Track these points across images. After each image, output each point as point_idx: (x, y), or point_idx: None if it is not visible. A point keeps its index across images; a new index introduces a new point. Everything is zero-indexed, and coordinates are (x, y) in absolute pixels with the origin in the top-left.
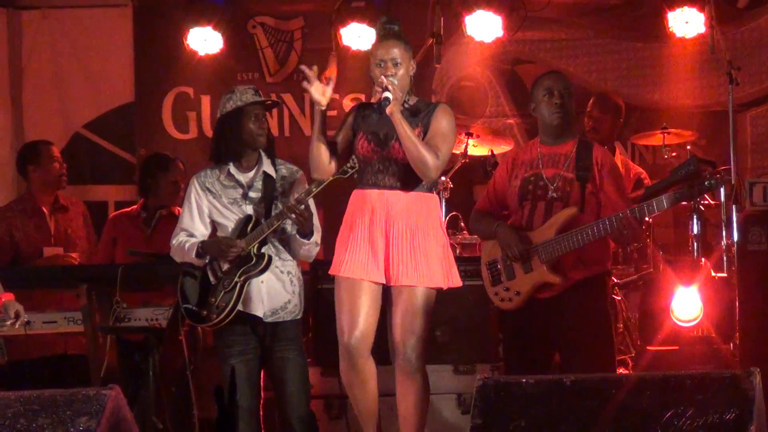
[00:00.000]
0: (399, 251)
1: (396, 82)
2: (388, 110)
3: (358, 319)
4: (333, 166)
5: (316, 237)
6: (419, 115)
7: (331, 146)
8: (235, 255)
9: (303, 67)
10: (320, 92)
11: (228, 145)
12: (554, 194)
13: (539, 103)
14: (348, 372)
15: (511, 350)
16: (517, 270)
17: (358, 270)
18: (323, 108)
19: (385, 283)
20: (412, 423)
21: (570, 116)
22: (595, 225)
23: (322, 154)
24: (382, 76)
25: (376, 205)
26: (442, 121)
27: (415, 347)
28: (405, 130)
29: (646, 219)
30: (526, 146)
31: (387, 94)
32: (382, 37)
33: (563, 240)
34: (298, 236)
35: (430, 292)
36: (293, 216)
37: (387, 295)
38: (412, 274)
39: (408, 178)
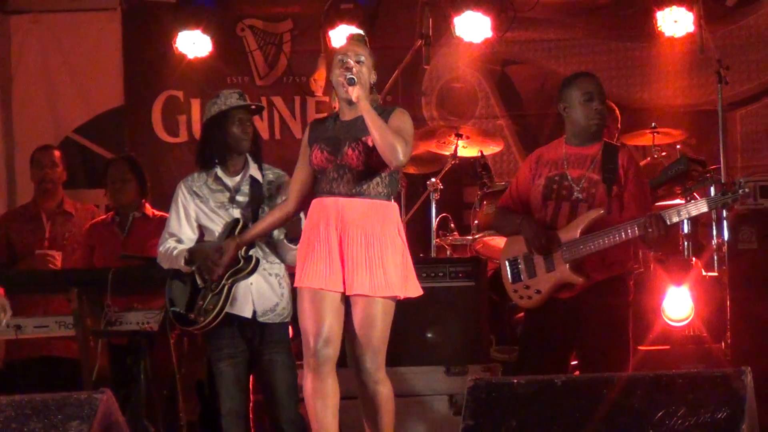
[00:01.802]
0: (354, 259)
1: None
2: (354, 96)
3: (323, 329)
4: (307, 188)
5: None
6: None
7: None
8: (218, 274)
9: None
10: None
11: (213, 149)
12: (579, 195)
13: (575, 105)
14: (310, 381)
15: (528, 349)
16: (538, 268)
17: (317, 279)
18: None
19: (344, 291)
20: (380, 425)
21: (604, 120)
22: (622, 228)
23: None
24: (348, 60)
25: (331, 213)
26: (400, 119)
27: (373, 360)
28: (373, 116)
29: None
30: (551, 145)
31: (351, 75)
32: (349, 38)
33: (588, 241)
34: (285, 242)
35: (386, 302)
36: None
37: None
38: (367, 284)
39: (363, 185)
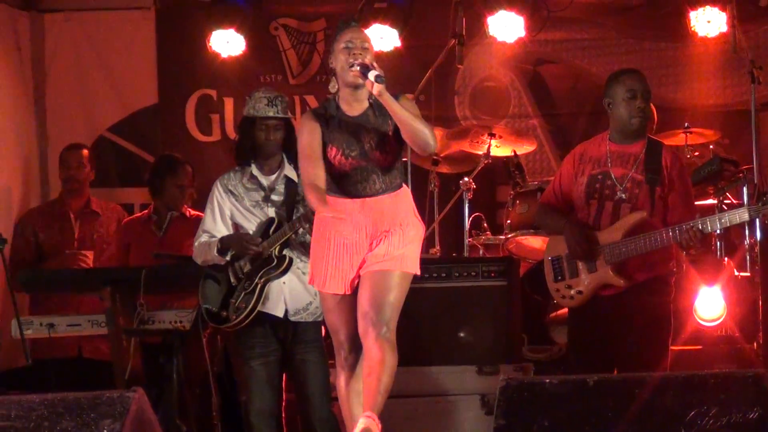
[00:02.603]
0: (376, 246)
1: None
2: (376, 91)
3: (354, 333)
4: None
5: None
6: (384, 110)
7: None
8: (255, 252)
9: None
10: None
11: (243, 148)
12: (622, 195)
13: (619, 102)
14: (346, 382)
15: (574, 347)
16: (580, 268)
17: (340, 285)
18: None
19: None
20: (372, 391)
21: (647, 119)
22: (665, 232)
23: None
24: (358, 62)
25: (358, 216)
26: (414, 105)
27: (386, 312)
28: (399, 107)
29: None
30: (594, 141)
31: (375, 72)
32: (343, 26)
33: (630, 243)
34: None
35: (404, 274)
36: (306, 226)
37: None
38: (383, 260)
39: (387, 182)
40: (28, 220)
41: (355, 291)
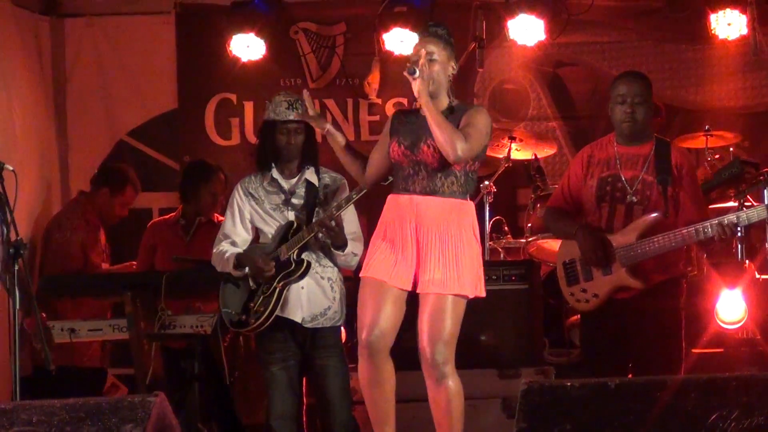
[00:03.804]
0: (428, 258)
1: (425, 67)
2: (415, 90)
3: (379, 318)
4: (381, 175)
5: (352, 248)
6: (455, 114)
7: (363, 159)
8: (269, 277)
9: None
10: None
11: (264, 152)
12: (634, 197)
13: (613, 106)
14: (366, 369)
15: (589, 351)
16: (595, 271)
17: (383, 272)
18: (326, 128)
19: (411, 289)
20: (449, 421)
21: (639, 123)
22: (683, 231)
23: (352, 168)
24: (414, 64)
25: (406, 212)
26: (477, 117)
27: (441, 352)
28: (433, 111)
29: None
30: (601, 143)
31: (411, 65)
32: (424, 34)
33: (645, 245)
34: (332, 249)
35: (458, 299)
36: (323, 231)
37: (416, 302)
38: (440, 282)
39: (438, 183)
40: (74, 229)
41: (393, 289)
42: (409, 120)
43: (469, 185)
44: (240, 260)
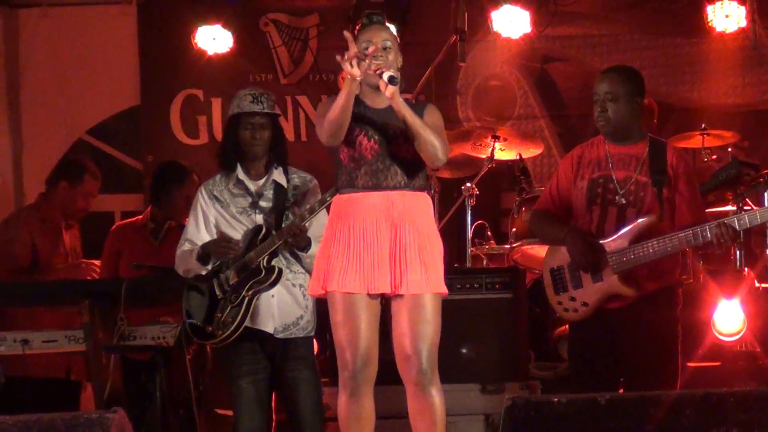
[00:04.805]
0: (406, 257)
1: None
2: (388, 93)
3: (359, 344)
4: (343, 136)
5: (315, 249)
6: (414, 107)
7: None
8: (234, 255)
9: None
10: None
11: (227, 150)
12: (626, 199)
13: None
14: (347, 405)
15: (577, 364)
16: (584, 279)
17: (350, 282)
18: (357, 79)
19: (389, 292)
20: None
21: (613, 122)
22: (679, 236)
23: (344, 120)
24: (375, 63)
25: (380, 209)
26: (434, 116)
27: (429, 356)
28: (410, 113)
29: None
30: (592, 143)
31: (389, 72)
32: (366, 25)
33: (639, 250)
34: (296, 250)
35: (437, 298)
36: (289, 240)
37: (386, 305)
38: (421, 282)
39: (411, 176)
40: (24, 223)
41: (366, 302)
42: (365, 113)
43: (426, 179)
44: (204, 249)
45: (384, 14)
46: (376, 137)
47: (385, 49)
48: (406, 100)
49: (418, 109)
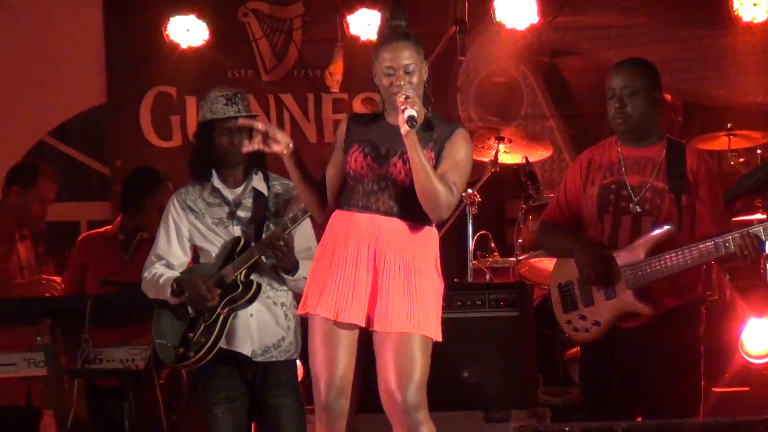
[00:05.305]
0: (389, 290)
1: (413, 93)
2: (403, 131)
3: (336, 375)
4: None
5: (305, 270)
6: (433, 131)
7: (321, 185)
8: (212, 306)
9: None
10: (270, 144)
11: (201, 159)
12: (641, 207)
13: (607, 102)
14: None
15: (589, 390)
16: (596, 295)
17: (331, 307)
18: (284, 152)
19: (365, 326)
20: None
21: (634, 119)
22: (699, 247)
23: (313, 197)
24: (400, 93)
25: (365, 232)
26: (461, 151)
27: (414, 395)
28: (420, 157)
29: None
30: (603, 146)
31: (411, 112)
32: (388, 37)
33: (656, 263)
34: (281, 272)
35: (426, 340)
36: (269, 252)
37: (368, 338)
38: (406, 319)
39: (407, 204)
40: None
41: (346, 328)
42: (371, 126)
43: None
44: (180, 285)
45: (406, 19)
46: (373, 155)
47: (408, 73)
48: (433, 117)
49: (445, 130)
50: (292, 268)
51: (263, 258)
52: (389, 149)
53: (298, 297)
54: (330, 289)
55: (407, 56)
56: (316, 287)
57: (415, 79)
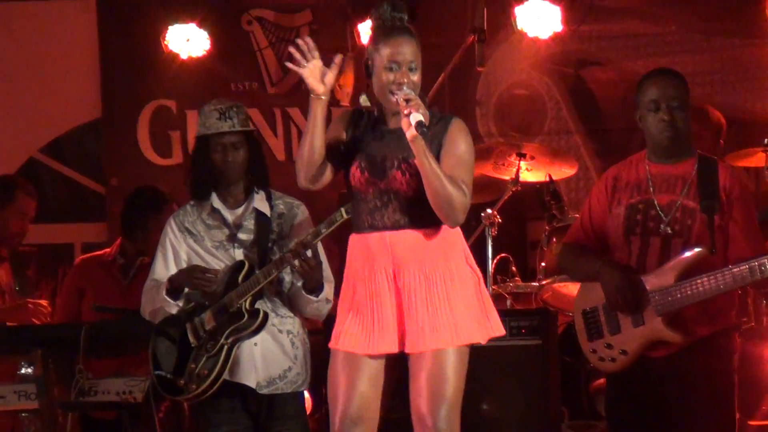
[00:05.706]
0: (413, 308)
1: (414, 94)
2: (410, 136)
3: (352, 403)
4: (327, 175)
5: (327, 291)
6: (428, 128)
7: (328, 151)
8: (212, 286)
9: (298, 42)
10: (317, 75)
11: (198, 178)
12: (671, 228)
13: (645, 115)
14: None
15: (616, 422)
16: (623, 322)
17: (355, 342)
18: (321, 97)
19: (397, 351)
20: None
21: (682, 133)
22: (730, 272)
23: (315, 157)
24: (400, 94)
25: (377, 254)
26: (461, 145)
27: (447, 417)
28: (431, 164)
29: None
30: (629, 162)
31: (418, 116)
32: (391, 30)
33: (686, 288)
34: (304, 292)
35: (459, 351)
36: (296, 264)
37: (403, 360)
38: (435, 335)
39: (414, 213)
40: None
41: (368, 362)
42: (369, 133)
43: None
44: (174, 281)
45: (406, 13)
46: (371, 169)
47: (411, 70)
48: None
49: (440, 125)
50: (318, 286)
51: (269, 284)
52: (386, 160)
53: (310, 323)
54: (356, 324)
55: (411, 52)
56: (341, 318)
57: (416, 77)
